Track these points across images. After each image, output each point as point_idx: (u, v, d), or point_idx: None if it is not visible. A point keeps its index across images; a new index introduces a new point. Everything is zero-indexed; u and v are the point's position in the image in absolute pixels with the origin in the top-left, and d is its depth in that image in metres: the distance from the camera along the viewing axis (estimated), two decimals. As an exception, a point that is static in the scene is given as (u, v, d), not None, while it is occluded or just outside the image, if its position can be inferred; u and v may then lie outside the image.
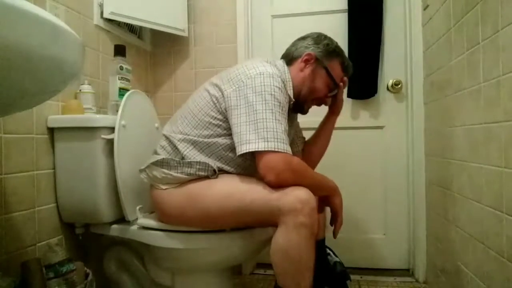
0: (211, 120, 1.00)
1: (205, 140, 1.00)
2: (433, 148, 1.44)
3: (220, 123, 0.99)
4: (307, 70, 1.08)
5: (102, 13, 1.36)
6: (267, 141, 0.89)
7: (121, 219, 1.15)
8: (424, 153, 1.55)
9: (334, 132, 1.71)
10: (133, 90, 1.22)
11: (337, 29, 1.63)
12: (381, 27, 1.60)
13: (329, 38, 1.13)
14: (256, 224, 0.99)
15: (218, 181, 0.99)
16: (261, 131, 0.90)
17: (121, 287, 1.22)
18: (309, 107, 1.15)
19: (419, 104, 1.56)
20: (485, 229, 0.98)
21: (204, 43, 1.75)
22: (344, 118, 1.69)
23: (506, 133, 0.86)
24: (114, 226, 1.14)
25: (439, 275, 1.38)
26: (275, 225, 0.91)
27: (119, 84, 1.25)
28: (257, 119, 0.91)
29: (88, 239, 1.20)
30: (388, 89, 1.64)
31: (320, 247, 1.18)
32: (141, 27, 1.68)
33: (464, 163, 1.11)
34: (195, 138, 1.01)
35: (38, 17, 0.45)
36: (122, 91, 1.23)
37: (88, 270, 1.04)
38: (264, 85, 0.94)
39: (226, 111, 0.97)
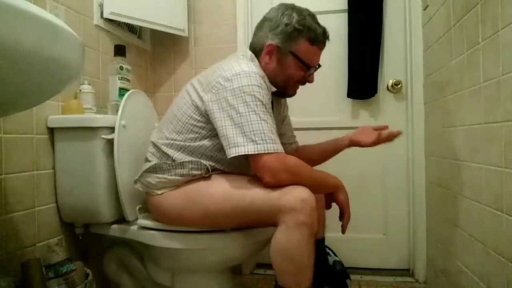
0: (194, 122, 0.99)
1: (192, 144, 1.00)
2: (433, 148, 1.44)
3: (204, 125, 0.98)
4: (273, 62, 1.03)
5: (102, 13, 1.35)
6: (257, 144, 0.88)
7: (121, 219, 1.15)
8: (424, 153, 1.55)
9: (334, 132, 1.71)
10: (133, 90, 1.22)
11: (337, 29, 1.63)
12: (381, 27, 1.60)
13: (289, 12, 1.01)
14: (256, 224, 0.99)
15: (216, 182, 0.99)
16: (249, 133, 0.88)
17: (121, 287, 1.22)
18: (294, 90, 1.11)
19: (419, 104, 1.56)
20: (485, 229, 0.98)
21: (204, 43, 1.75)
22: (344, 118, 1.69)
23: (506, 133, 0.86)
24: (114, 226, 1.14)
25: (439, 275, 1.38)
26: (275, 224, 0.91)
27: (119, 84, 1.25)
28: (241, 122, 0.89)
29: (88, 239, 1.20)
30: (388, 89, 1.64)
31: (320, 246, 1.17)
32: (141, 27, 1.68)
33: (464, 163, 1.11)
34: (182, 143, 1.01)
35: (38, 17, 0.45)
36: (122, 91, 1.23)
37: (88, 270, 1.04)
38: (242, 86, 0.91)
39: (208, 115, 0.96)
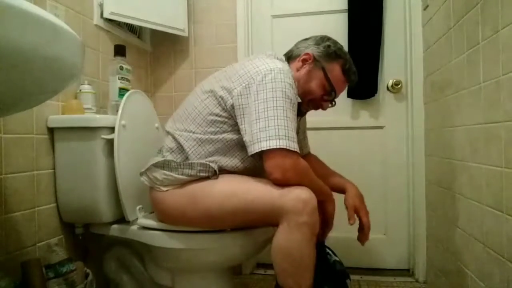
0: (216, 118, 0.99)
1: (212, 136, 0.99)
2: (433, 148, 1.44)
3: (226, 120, 0.98)
4: (304, 70, 1.06)
5: (102, 13, 1.36)
6: (279, 139, 0.88)
7: (121, 219, 1.14)
8: (424, 153, 1.55)
9: (334, 132, 1.71)
10: (133, 90, 1.22)
11: (337, 29, 1.63)
12: (381, 27, 1.60)
13: (333, 41, 1.10)
14: (257, 223, 0.99)
15: (219, 181, 0.99)
16: (272, 128, 0.89)
17: (121, 287, 1.22)
18: (306, 109, 1.13)
19: (419, 104, 1.56)
20: (485, 229, 0.98)
21: (204, 43, 1.75)
22: (344, 118, 1.69)
23: (506, 133, 0.86)
24: (114, 226, 1.14)
25: (439, 275, 1.38)
26: (276, 224, 0.91)
27: (119, 84, 1.25)
28: (268, 116, 0.90)
29: (88, 239, 1.20)
30: (388, 89, 1.64)
31: (320, 246, 1.17)
32: (141, 27, 1.68)
33: (464, 163, 1.11)
34: (201, 135, 1.00)
35: (38, 17, 0.45)
36: (122, 91, 1.23)
37: (88, 270, 1.04)
38: (275, 81, 0.92)
39: (233, 109, 0.96)
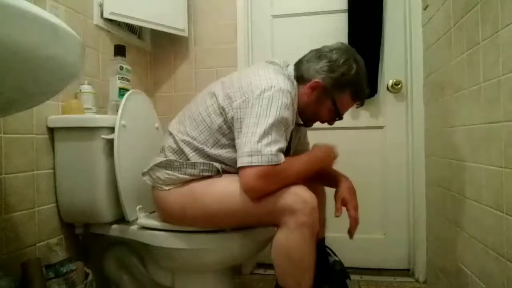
0: (216, 128, 0.98)
1: (208, 150, 0.99)
2: (433, 148, 1.44)
3: (226, 132, 0.98)
4: (312, 97, 1.03)
5: (102, 13, 1.35)
6: (251, 156, 0.87)
7: (121, 219, 1.14)
8: (424, 153, 1.55)
9: (334, 132, 1.71)
10: (133, 90, 1.22)
11: (337, 29, 1.63)
12: (381, 27, 1.60)
13: (348, 64, 1.00)
14: (257, 224, 0.99)
15: (220, 181, 0.99)
16: (249, 144, 0.88)
17: (121, 287, 1.22)
18: (312, 124, 1.13)
19: (419, 104, 1.56)
20: (485, 229, 0.98)
21: (204, 43, 1.75)
22: (344, 118, 1.69)
23: (506, 133, 0.86)
24: (114, 226, 1.14)
25: (439, 275, 1.38)
26: (276, 224, 0.91)
27: (119, 84, 1.25)
28: (254, 132, 0.88)
29: (88, 239, 1.20)
30: (388, 89, 1.64)
31: (320, 246, 1.17)
32: (141, 27, 1.68)
33: (464, 163, 1.11)
34: (200, 145, 1.00)
35: (38, 17, 0.45)
36: (122, 91, 1.23)
37: (88, 270, 1.04)
38: (272, 99, 0.91)
39: (233, 121, 0.96)
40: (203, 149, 1.00)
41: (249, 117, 0.91)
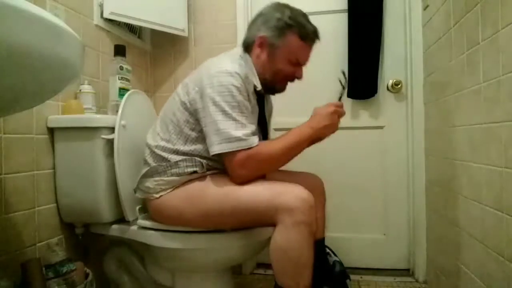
0: (184, 123, 1.01)
1: (183, 148, 1.02)
2: (433, 148, 1.44)
3: (194, 126, 1.01)
4: (264, 55, 1.05)
5: (102, 13, 1.35)
6: (227, 143, 0.92)
7: (121, 219, 1.15)
8: (424, 153, 1.55)
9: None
10: (133, 90, 1.22)
11: (337, 29, 1.63)
12: (381, 27, 1.60)
13: (281, 10, 1.04)
14: (255, 223, 0.99)
15: (214, 182, 1.00)
16: (220, 132, 0.92)
17: (121, 287, 1.22)
18: (283, 86, 1.12)
19: (419, 104, 1.56)
20: (485, 229, 0.98)
21: (204, 43, 1.75)
22: (344, 118, 1.68)
23: (506, 133, 0.86)
24: (114, 226, 1.14)
25: (439, 275, 1.38)
26: (273, 224, 0.91)
27: (119, 84, 1.25)
28: (217, 120, 0.92)
29: (88, 239, 1.20)
30: (388, 89, 1.64)
31: (320, 246, 1.17)
32: (141, 27, 1.68)
33: (464, 163, 1.11)
34: (175, 147, 1.02)
35: (38, 17, 0.45)
36: (122, 91, 1.23)
37: (88, 270, 1.04)
38: (222, 85, 0.94)
39: (196, 113, 0.99)
40: (178, 149, 1.02)
41: (207, 106, 0.94)
